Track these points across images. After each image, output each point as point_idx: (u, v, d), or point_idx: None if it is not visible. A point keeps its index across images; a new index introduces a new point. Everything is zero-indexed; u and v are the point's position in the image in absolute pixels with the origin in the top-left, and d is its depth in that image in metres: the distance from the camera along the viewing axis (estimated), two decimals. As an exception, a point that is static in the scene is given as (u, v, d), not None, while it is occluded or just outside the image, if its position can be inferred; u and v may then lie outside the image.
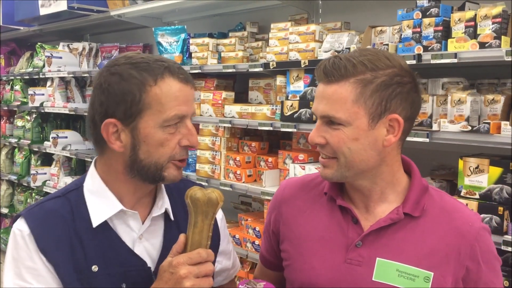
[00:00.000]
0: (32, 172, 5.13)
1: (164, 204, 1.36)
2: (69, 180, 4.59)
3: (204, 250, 1.19)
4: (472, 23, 2.07)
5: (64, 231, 1.23)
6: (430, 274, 1.21)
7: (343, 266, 1.27)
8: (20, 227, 1.23)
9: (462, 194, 2.11)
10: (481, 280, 1.24)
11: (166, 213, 1.37)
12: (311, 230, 1.36)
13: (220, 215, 1.52)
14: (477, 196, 2.07)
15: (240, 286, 1.34)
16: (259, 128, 2.87)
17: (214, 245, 1.43)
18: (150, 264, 1.30)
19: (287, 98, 2.77)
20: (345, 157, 1.23)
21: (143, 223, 1.32)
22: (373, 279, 1.23)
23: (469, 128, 2.01)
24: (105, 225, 1.26)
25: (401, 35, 2.29)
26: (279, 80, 2.89)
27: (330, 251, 1.30)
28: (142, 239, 1.31)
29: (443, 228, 1.25)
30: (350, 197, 1.34)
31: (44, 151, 4.96)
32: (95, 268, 1.23)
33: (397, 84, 1.21)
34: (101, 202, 1.27)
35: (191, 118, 1.29)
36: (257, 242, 2.91)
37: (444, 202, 1.30)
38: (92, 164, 1.34)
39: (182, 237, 1.22)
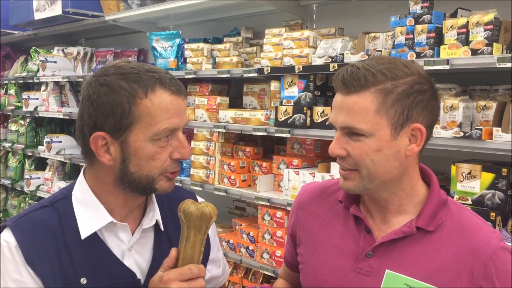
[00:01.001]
0: (26, 176, 5.11)
1: (154, 215, 1.33)
2: (63, 184, 4.57)
3: (196, 266, 1.17)
4: (464, 30, 2.09)
5: (52, 242, 1.20)
6: None
7: (352, 275, 1.27)
8: (7, 238, 1.19)
9: (454, 199, 2.12)
10: None
11: (156, 224, 1.34)
12: (325, 237, 1.35)
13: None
14: (469, 202, 2.08)
15: None
16: (254, 133, 2.87)
17: (205, 254, 1.42)
18: (140, 276, 1.28)
19: (281, 104, 2.78)
20: (367, 169, 1.20)
21: (132, 235, 1.29)
22: None
23: (462, 134, 2.02)
24: (94, 236, 1.23)
25: (394, 41, 2.31)
26: (274, 85, 2.90)
27: (340, 259, 1.30)
28: (132, 251, 1.29)
29: (457, 244, 1.21)
30: (366, 207, 1.32)
31: (38, 155, 4.94)
32: (83, 280, 1.20)
33: (418, 92, 1.19)
34: (90, 213, 1.24)
35: (183, 129, 1.26)
36: (251, 247, 2.91)
37: (463, 218, 1.26)
38: (81, 173, 1.31)
39: (173, 251, 1.20)
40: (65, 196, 1.28)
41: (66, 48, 4.90)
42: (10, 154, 5.61)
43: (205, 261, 1.40)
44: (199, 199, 1.45)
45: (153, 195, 1.36)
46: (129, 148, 1.19)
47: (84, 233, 1.23)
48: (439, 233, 1.23)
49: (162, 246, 1.32)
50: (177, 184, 1.44)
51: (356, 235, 1.30)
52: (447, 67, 2.06)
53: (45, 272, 1.18)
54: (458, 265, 1.19)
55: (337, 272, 1.29)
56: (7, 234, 1.21)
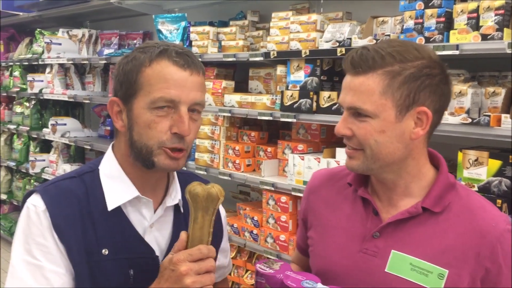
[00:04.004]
0: (31, 158, 5.12)
1: (177, 195, 1.36)
2: (67, 167, 4.58)
3: (205, 246, 1.17)
4: (475, 14, 2.05)
5: (78, 211, 1.23)
6: (445, 271, 1.19)
7: (358, 255, 1.29)
8: (35, 202, 1.22)
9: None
10: (501, 283, 1.20)
11: (175, 205, 1.37)
12: (333, 220, 1.38)
13: (223, 213, 1.53)
14: (476, 189, 2.07)
15: (258, 265, 1.33)
16: (259, 117, 2.86)
17: (217, 241, 1.44)
18: (158, 253, 1.31)
19: (287, 88, 2.76)
20: (371, 149, 1.22)
21: (154, 212, 1.32)
22: (385, 270, 1.24)
23: (469, 120, 2.00)
24: (118, 210, 1.26)
25: (403, 26, 2.28)
26: (280, 69, 2.88)
27: (348, 240, 1.32)
28: (153, 228, 1.31)
29: (463, 226, 1.22)
30: (374, 189, 1.34)
31: (43, 138, 4.95)
32: (105, 251, 1.23)
33: (426, 76, 1.19)
34: (117, 187, 1.27)
35: (195, 106, 1.24)
36: (255, 231, 2.92)
37: (471, 201, 1.27)
38: (110, 148, 1.34)
39: (183, 234, 1.21)
40: (92, 170, 1.31)
41: (71, 30, 4.87)
42: (15, 136, 5.63)
43: (217, 248, 1.41)
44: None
45: (175, 176, 1.38)
46: (133, 115, 1.24)
47: (111, 205, 1.25)
48: (446, 215, 1.24)
49: (181, 227, 1.34)
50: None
51: (364, 217, 1.31)
52: (457, 52, 2.03)
53: (69, 239, 1.20)
54: (464, 246, 1.21)
55: (344, 253, 1.31)
56: (36, 199, 1.23)
